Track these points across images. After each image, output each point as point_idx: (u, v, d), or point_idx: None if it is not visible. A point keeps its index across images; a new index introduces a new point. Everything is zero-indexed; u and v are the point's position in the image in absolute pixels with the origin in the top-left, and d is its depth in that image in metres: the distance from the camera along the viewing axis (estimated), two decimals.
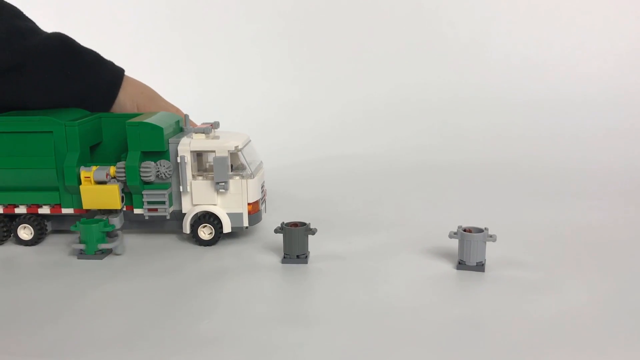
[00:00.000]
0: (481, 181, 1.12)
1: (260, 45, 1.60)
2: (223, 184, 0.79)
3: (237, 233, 0.85)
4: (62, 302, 0.65)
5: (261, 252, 0.78)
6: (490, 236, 0.71)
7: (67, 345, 0.56)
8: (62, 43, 0.87)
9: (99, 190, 0.78)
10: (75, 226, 0.78)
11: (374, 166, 1.23)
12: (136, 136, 0.78)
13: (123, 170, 0.78)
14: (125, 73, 0.93)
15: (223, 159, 0.78)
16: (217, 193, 0.80)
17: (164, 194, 0.79)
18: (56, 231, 0.86)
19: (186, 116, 0.84)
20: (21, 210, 0.81)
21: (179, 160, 0.79)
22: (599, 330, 0.57)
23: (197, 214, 0.81)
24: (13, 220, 0.82)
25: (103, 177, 0.78)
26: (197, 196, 0.80)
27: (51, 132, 0.79)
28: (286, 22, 1.61)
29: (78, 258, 0.77)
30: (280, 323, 0.60)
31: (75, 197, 0.80)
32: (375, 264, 0.74)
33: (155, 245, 0.82)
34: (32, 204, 0.81)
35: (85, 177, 0.78)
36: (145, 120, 0.79)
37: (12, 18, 0.84)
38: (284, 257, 0.75)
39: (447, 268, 0.72)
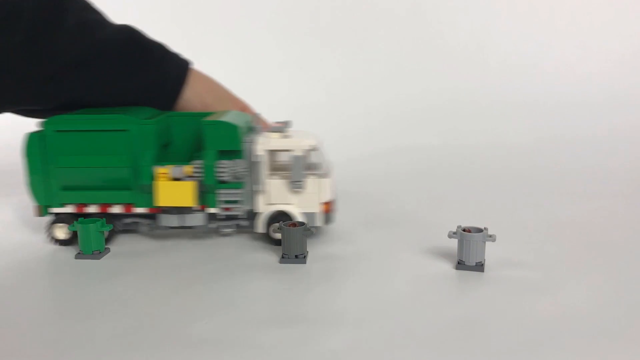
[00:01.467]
0: (480, 181, 1.12)
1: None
2: (299, 183, 0.78)
3: (236, 232, 0.85)
4: (59, 302, 0.65)
5: (260, 252, 0.78)
6: (490, 236, 0.70)
7: (66, 345, 0.56)
8: (129, 37, 0.86)
9: (174, 187, 0.77)
10: (73, 225, 0.77)
11: (376, 166, 1.23)
12: (213, 135, 0.77)
13: (200, 168, 0.77)
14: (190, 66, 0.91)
15: (300, 157, 0.77)
16: (292, 192, 0.79)
17: (238, 193, 0.78)
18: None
19: (256, 115, 0.83)
20: (92, 209, 0.81)
21: (256, 159, 0.78)
22: (599, 330, 0.57)
23: (271, 213, 0.80)
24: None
25: (180, 174, 0.77)
26: (273, 195, 0.79)
27: (127, 130, 0.78)
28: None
29: (76, 258, 0.77)
30: (279, 323, 0.59)
31: (148, 197, 0.79)
32: (374, 263, 0.74)
33: (153, 245, 0.82)
34: (104, 203, 0.80)
35: (162, 173, 0.77)
36: (221, 119, 0.78)
37: (81, 10, 0.83)
38: (282, 257, 0.75)
39: (447, 268, 0.72)
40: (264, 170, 0.79)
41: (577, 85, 1.50)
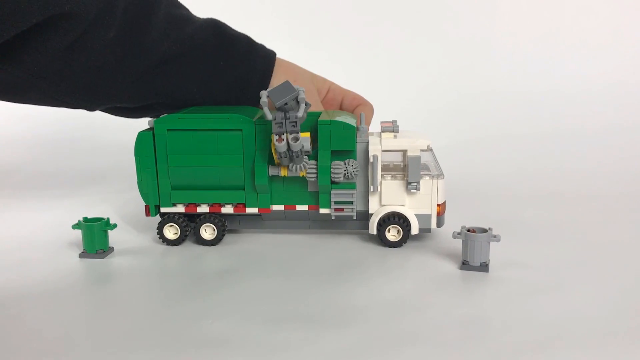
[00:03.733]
0: (485, 180, 1.12)
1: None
2: (415, 184, 0.77)
3: (239, 231, 0.85)
4: (63, 302, 0.65)
5: (266, 252, 0.78)
6: (494, 236, 0.70)
7: (70, 345, 0.56)
8: (215, 31, 0.85)
9: None
10: (77, 225, 0.77)
11: None
12: (327, 135, 0.76)
13: (314, 169, 0.76)
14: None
15: (416, 158, 0.76)
16: (407, 193, 0.78)
17: (352, 194, 0.77)
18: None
19: (361, 115, 0.82)
20: (203, 209, 0.80)
21: (371, 160, 0.77)
22: (603, 331, 0.57)
23: (384, 214, 0.78)
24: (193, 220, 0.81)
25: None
26: (387, 196, 0.78)
27: (240, 130, 0.77)
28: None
29: (80, 257, 0.77)
30: (286, 323, 0.59)
31: (261, 197, 0.79)
32: (379, 263, 0.74)
33: (157, 244, 0.82)
34: (215, 203, 0.80)
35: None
36: (334, 119, 0.77)
37: (169, 6, 0.82)
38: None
39: (451, 268, 0.72)
40: (378, 170, 0.77)
41: (581, 84, 1.50)
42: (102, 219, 0.78)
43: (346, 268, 0.73)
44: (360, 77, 1.55)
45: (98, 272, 0.73)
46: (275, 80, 0.87)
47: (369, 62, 1.61)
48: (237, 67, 0.85)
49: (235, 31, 0.87)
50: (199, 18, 0.85)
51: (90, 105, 0.81)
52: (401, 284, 0.68)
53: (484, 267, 0.71)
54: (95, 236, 0.77)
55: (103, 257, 0.77)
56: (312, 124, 0.80)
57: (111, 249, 0.79)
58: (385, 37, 1.62)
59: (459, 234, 0.72)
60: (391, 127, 0.80)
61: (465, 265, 0.71)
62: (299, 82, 0.88)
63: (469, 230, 0.72)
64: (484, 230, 0.71)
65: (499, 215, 0.91)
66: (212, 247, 0.80)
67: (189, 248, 0.80)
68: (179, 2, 0.86)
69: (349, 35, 1.62)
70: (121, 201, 1.02)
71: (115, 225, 0.78)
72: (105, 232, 0.78)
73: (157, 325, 0.59)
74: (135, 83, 0.80)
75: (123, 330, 0.58)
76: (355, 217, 0.79)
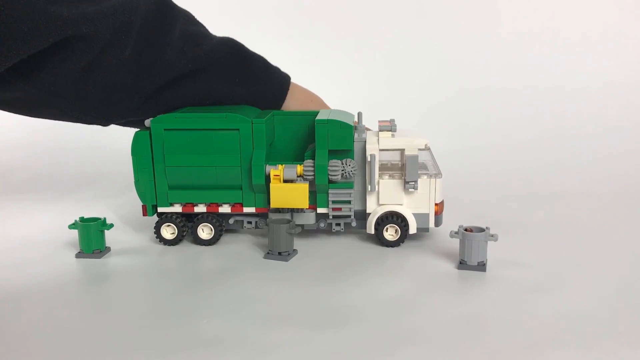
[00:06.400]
0: (482, 179, 1.12)
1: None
2: (413, 183, 0.76)
3: (236, 231, 0.85)
4: (59, 302, 0.65)
5: (261, 252, 0.78)
6: (492, 235, 0.70)
7: (65, 345, 0.56)
8: (232, 50, 0.85)
9: (288, 189, 0.76)
10: (74, 224, 0.77)
11: None
12: (325, 134, 0.76)
13: (311, 168, 0.76)
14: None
15: (414, 157, 0.76)
16: (405, 192, 0.78)
17: (349, 193, 0.77)
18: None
19: (359, 114, 0.82)
20: (200, 209, 0.80)
21: (368, 159, 0.77)
22: (600, 330, 0.57)
23: (382, 214, 0.78)
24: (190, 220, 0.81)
25: (293, 176, 0.76)
26: (384, 196, 0.78)
27: (237, 129, 0.77)
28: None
29: (76, 257, 0.77)
30: (282, 323, 0.59)
31: (258, 196, 0.79)
32: (375, 263, 0.74)
33: (154, 244, 0.81)
34: (213, 203, 0.80)
35: (275, 176, 0.76)
36: (332, 118, 0.76)
37: (185, 24, 0.83)
38: (267, 253, 0.75)
39: (449, 267, 0.72)
40: (376, 169, 0.77)
41: (581, 83, 1.50)
42: (99, 218, 0.77)
43: (343, 267, 0.72)
44: (358, 76, 1.56)
45: (94, 272, 0.72)
46: (291, 100, 0.88)
47: (367, 61, 1.60)
48: (252, 85, 0.85)
49: (251, 51, 0.88)
50: (215, 36, 0.85)
51: (104, 121, 0.81)
52: (399, 284, 0.68)
53: (481, 267, 0.71)
54: (91, 236, 0.76)
55: (100, 257, 0.76)
56: (310, 122, 0.80)
57: (108, 249, 0.78)
58: (383, 36, 1.62)
59: (456, 233, 0.72)
60: (389, 126, 0.80)
61: (462, 264, 0.71)
62: (312, 105, 0.89)
63: (466, 230, 0.71)
64: (482, 230, 0.71)
65: (496, 214, 0.91)
66: (209, 247, 0.80)
67: (186, 248, 0.80)
68: (195, 19, 0.86)
69: (347, 35, 1.62)
70: (118, 201, 1.02)
71: (112, 225, 0.78)
72: (102, 232, 0.77)
73: (153, 324, 0.59)
74: (150, 99, 0.80)
75: (119, 329, 0.58)
76: (352, 216, 0.79)
